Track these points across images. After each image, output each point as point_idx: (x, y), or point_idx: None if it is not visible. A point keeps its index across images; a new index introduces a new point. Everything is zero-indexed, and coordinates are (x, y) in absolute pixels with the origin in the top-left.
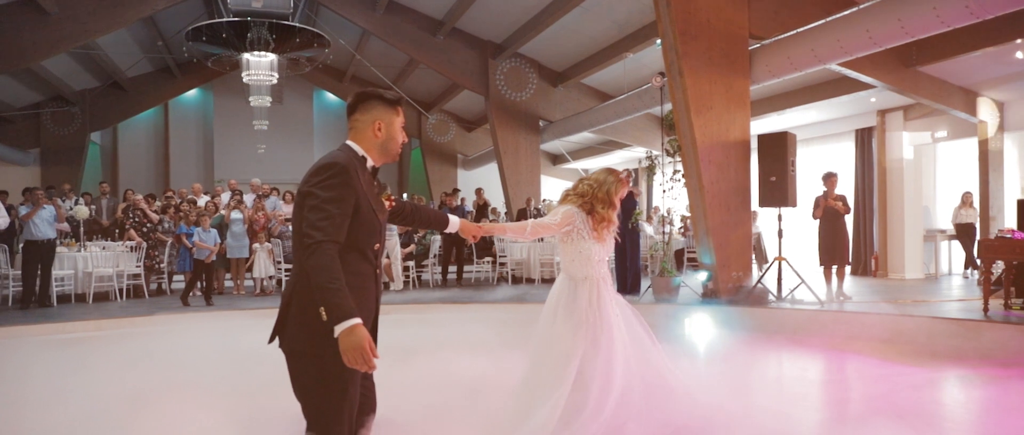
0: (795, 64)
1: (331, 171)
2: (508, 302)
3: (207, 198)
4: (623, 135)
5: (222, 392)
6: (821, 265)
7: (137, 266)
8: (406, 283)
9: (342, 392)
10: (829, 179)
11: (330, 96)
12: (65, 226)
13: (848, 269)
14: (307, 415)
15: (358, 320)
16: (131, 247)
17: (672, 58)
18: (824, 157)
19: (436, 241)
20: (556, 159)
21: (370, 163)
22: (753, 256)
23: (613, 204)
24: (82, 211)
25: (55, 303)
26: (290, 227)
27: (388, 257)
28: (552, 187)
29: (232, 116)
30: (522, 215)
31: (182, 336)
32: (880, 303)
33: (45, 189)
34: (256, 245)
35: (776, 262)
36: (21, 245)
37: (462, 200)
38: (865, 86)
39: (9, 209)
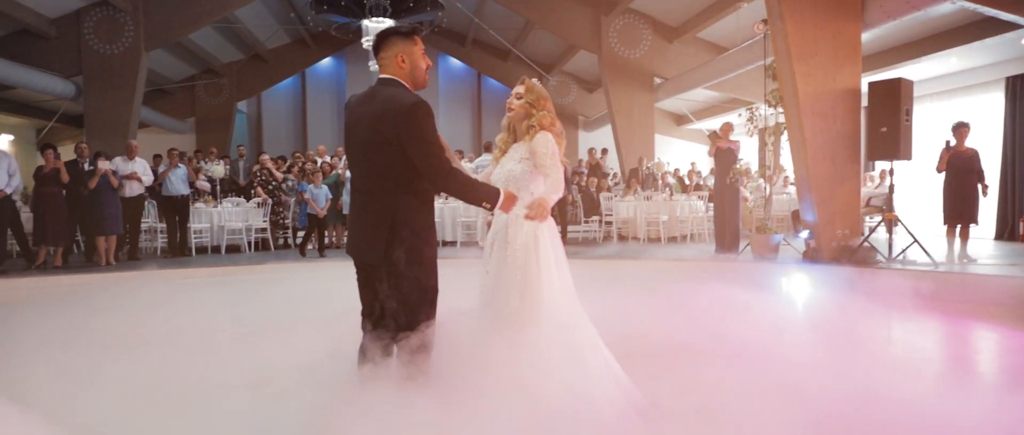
0: (915, 3)
1: (426, 110)
2: (605, 258)
3: (327, 158)
4: (743, 91)
5: (318, 327)
6: (945, 224)
7: (264, 221)
8: None
9: (433, 298)
10: (959, 130)
11: (454, 61)
12: (206, 184)
13: (975, 230)
14: (399, 318)
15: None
16: (259, 204)
17: (773, 3)
18: (965, 111)
19: None
20: (680, 120)
21: None
22: (863, 217)
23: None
24: (218, 170)
25: (193, 253)
26: None
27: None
28: (677, 149)
29: (363, 83)
30: (634, 175)
31: (295, 283)
32: (1008, 267)
33: (179, 152)
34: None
35: (887, 220)
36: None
37: (576, 162)
38: (1013, 26)
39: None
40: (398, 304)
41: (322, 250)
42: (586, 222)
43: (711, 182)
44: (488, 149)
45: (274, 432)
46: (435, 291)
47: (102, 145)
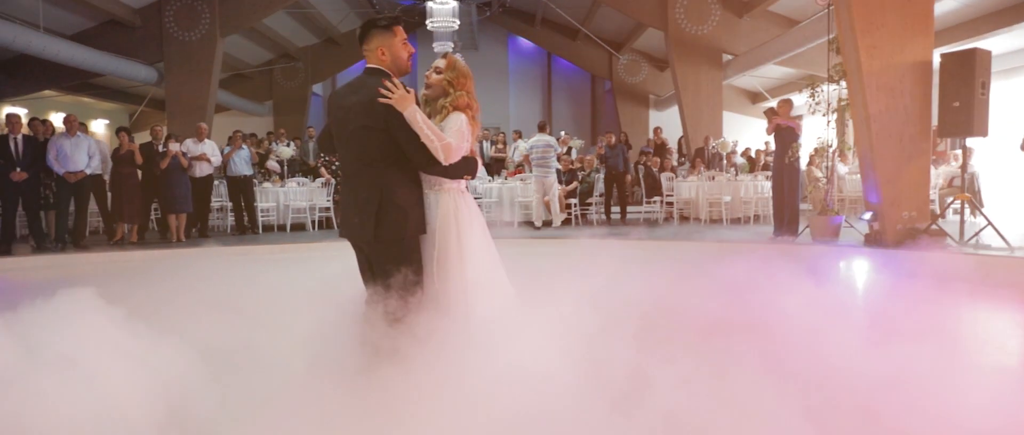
0: None
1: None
2: (658, 239)
3: None
4: (819, 66)
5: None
6: None
7: (328, 200)
8: (567, 220)
9: (420, 261)
10: None
11: (524, 41)
12: (275, 165)
13: None
14: (394, 281)
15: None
16: (322, 183)
17: None
18: None
19: (600, 178)
20: (755, 97)
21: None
22: (942, 201)
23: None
24: (285, 151)
25: (260, 231)
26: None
27: (547, 194)
28: (754, 128)
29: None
30: (699, 154)
31: (347, 260)
32: None
33: (243, 134)
34: None
35: (959, 200)
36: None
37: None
38: None
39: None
40: (393, 271)
41: None
42: (648, 203)
43: None
44: (542, 129)
45: None
46: (420, 268)
47: (182, 128)
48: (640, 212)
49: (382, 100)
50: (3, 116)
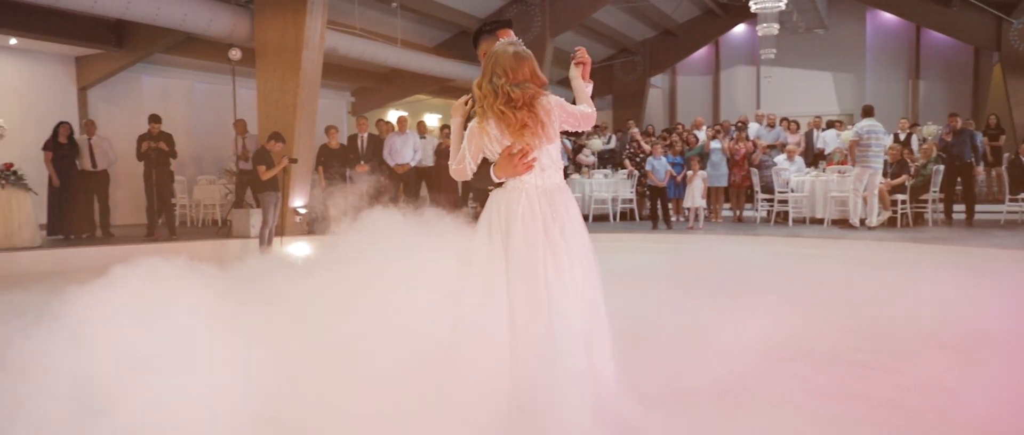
0: None
1: None
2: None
3: (701, 131)
4: None
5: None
6: None
7: (631, 192)
8: (892, 220)
9: None
10: None
11: (884, 15)
12: (590, 158)
13: None
14: None
15: None
16: (626, 175)
17: None
18: None
19: (939, 171)
20: None
21: None
22: None
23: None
24: (596, 144)
25: None
26: (768, 157)
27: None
28: None
29: (779, 48)
30: None
31: (639, 253)
32: None
33: None
34: (689, 171)
35: None
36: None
37: None
38: None
39: None
40: None
41: (656, 222)
42: (1012, 200)
43: None
44: (868, 113)
45: None
46: None
47: None
48: (1001, 212)
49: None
50: (395, 118)
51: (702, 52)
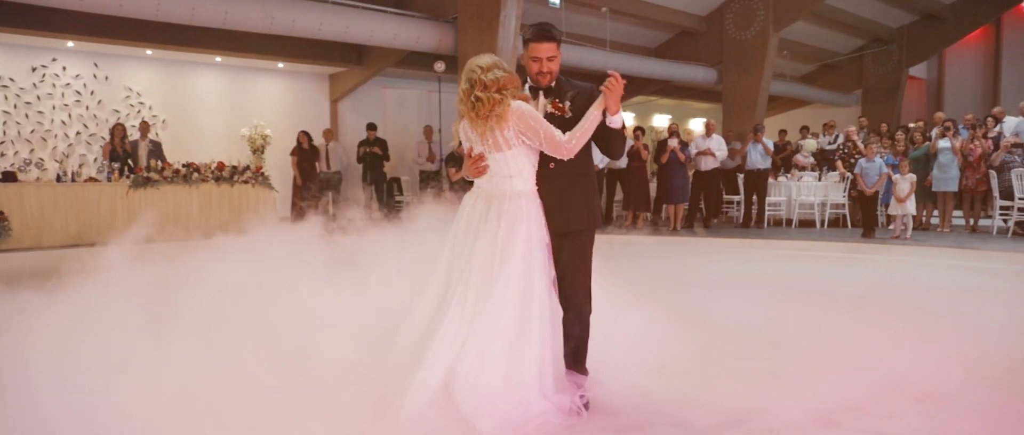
0: None
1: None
2: None
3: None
4: None
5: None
6: None
7: (843, 196)
8: None
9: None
10: None
11: None
12: (807, 160)
13: None
14: (579, 279)
15: None
16: (838, 177)
17: None
18: None
19: None
20: None
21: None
22: None
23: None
24: (809, 145)
25: (765, 225)
26: (1016, 157)
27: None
28: None
29: None
30: None
31: (846, 265)
32: None
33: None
34: (897, 175)
35: None
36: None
37: None
38: None
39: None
40: (580, 266)
41: (869, 231)
42: None
43: None
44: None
45: None
46: None
47: (735, 123)
48: None
49: None
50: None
51: (977, 35)
